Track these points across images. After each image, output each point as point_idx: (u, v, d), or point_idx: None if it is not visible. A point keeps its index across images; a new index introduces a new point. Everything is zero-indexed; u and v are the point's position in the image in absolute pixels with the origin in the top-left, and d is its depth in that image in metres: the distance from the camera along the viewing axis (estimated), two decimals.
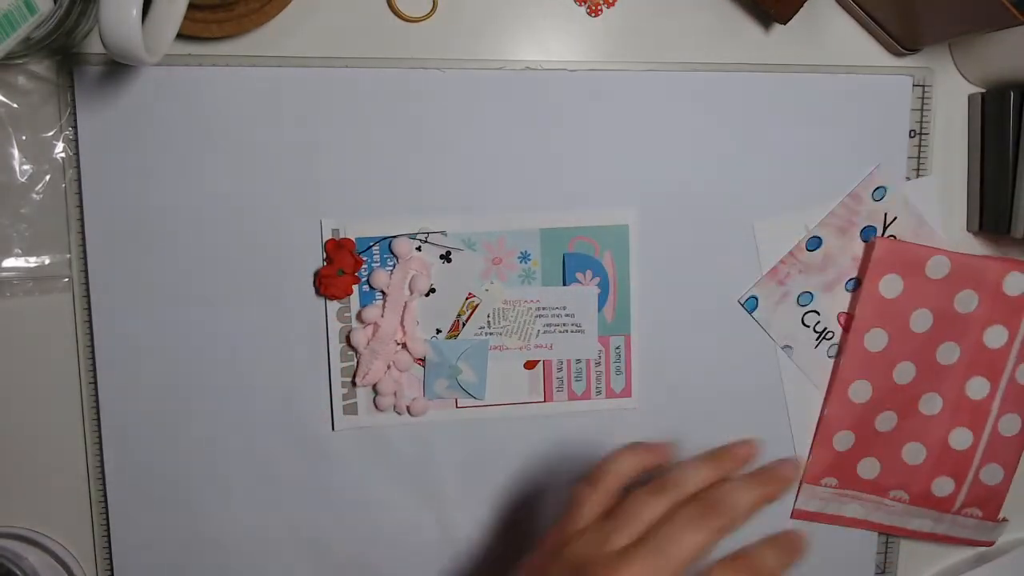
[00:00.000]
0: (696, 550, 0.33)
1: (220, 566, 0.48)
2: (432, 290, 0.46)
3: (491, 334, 0.47)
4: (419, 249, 0.46)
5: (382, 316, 0.46)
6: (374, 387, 0.47)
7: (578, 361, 0.48)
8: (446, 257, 0.46)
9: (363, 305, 0.46)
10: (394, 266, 0.46)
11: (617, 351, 0.48)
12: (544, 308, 0.47)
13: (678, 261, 0.47)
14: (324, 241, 0.45)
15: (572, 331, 0.48)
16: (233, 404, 0.46)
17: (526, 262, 0.47)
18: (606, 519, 0.35)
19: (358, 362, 0.46)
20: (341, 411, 0.47)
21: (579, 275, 0.47)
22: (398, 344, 0.46)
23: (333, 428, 0.47)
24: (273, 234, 0.45)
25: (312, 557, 0.48)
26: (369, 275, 0.46)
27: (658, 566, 0.32)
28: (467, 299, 0.47)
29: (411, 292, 0.46)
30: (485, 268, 0.47)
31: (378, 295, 0.46)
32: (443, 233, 0.45)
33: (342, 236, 0.45)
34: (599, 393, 0.48)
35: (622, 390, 0.48)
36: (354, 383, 0.46)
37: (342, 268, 0.45)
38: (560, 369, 0.48)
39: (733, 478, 0.35)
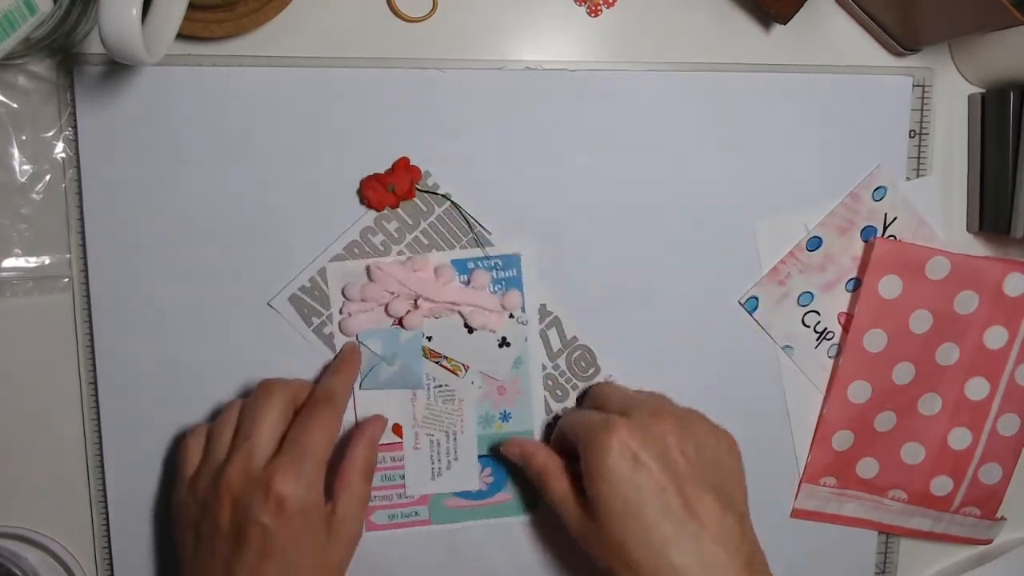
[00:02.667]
0: (324, 435, 0.40)
1: None
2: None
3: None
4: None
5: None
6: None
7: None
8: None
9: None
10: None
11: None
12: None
13: (678, 261, 0.47)
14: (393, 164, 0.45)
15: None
16: None
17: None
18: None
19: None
20: None
21: None
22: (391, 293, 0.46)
23: None
24: (273, 234, 0.45)
25: None
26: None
27: (299, 460, 0.38)
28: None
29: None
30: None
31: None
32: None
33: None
34: None
35: None
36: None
37: (393, 185, 0.44)
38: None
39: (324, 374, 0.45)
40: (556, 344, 0.47)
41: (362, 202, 0.45)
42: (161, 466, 0.47)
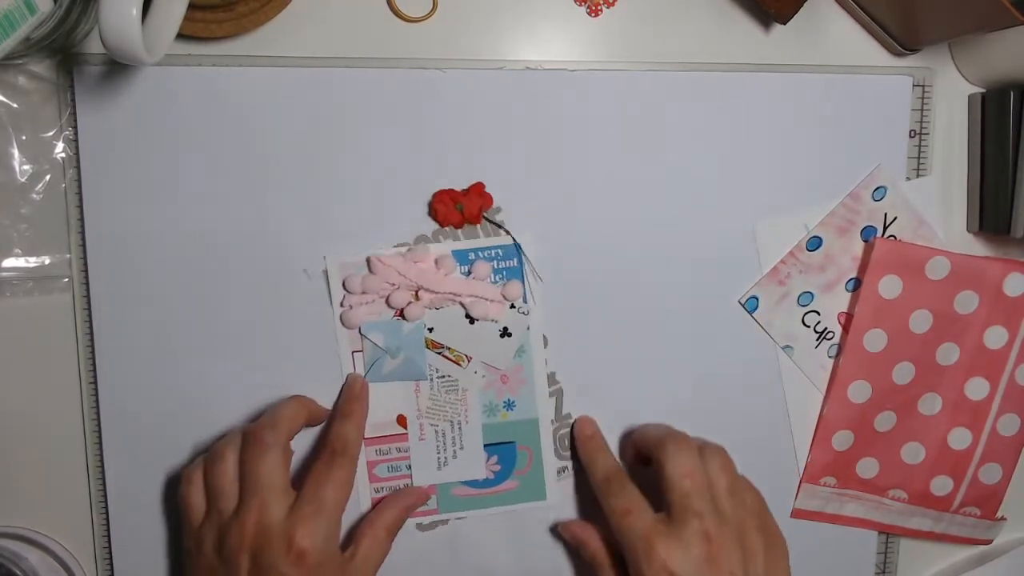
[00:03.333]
0: (341, 488, 0.41)
1: None
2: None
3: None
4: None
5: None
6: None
7: None
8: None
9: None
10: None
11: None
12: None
13: (678, 261, 0.47)
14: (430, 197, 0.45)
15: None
16: (234, 404, 0.46)
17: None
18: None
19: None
20: None
21: None
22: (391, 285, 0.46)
23: None
24: (272, 233, 0.45)
25: None
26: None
27: (318, 514, 0.40)
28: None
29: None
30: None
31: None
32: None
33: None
34: None
35: None
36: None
37: (463, 206, 0.44)
38: None
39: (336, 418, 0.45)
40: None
41: (429, 212, 0.45)
42: (162, 466, 0.47)
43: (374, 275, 0.45)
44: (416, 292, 0.46)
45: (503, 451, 0.48)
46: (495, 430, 0.48)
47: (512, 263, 0.47)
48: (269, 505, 0.40)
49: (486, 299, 0.46)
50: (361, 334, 0.46)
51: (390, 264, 0.45)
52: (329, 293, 0.46)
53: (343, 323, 0.46)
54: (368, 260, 0.45)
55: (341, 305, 0.46)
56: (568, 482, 0.49)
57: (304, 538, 0.39)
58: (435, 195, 0.45)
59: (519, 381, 0.48)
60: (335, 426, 0.44)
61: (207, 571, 0.41)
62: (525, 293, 0.47)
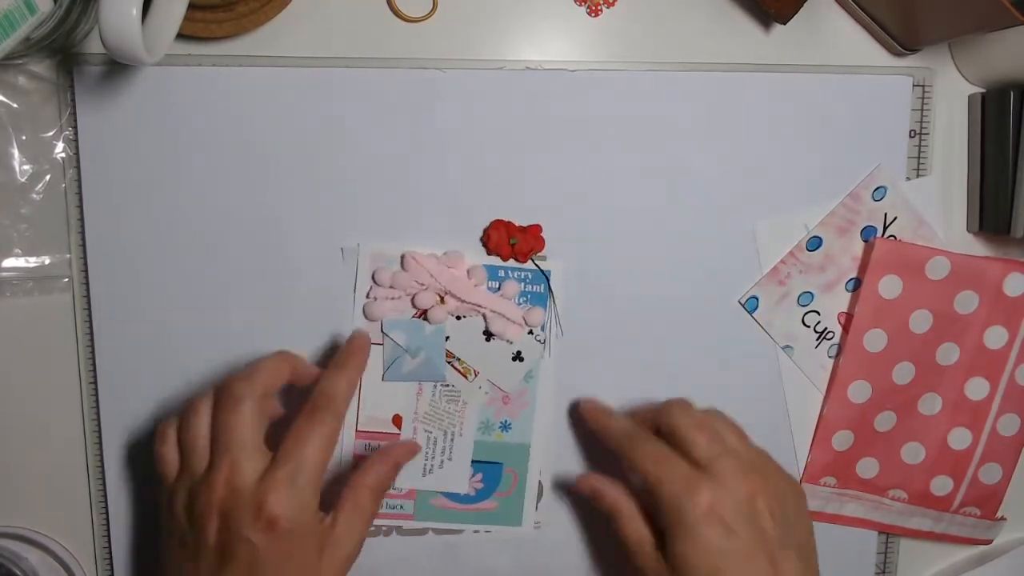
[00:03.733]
0: (320, 444, 0.37)
1: None
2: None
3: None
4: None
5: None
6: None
7: None
8: None
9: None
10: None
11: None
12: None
13: (678, 261, 0.47)
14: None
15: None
16: None
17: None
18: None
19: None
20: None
21: None
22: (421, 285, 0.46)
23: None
24: (272, 233, 0.45)
25: None
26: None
27: (293, 477, 0.36)
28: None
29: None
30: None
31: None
32: None
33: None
34: None
35: None
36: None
37: (517, 240, 0.45)
38: None
39: (326, 370, 0.41)
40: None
41: (482, 238, 0.46)
42: None
43: (406, 272, 0.45)
44: (442, 296, 0.46)
45: (489, 470, 0.48)
46: (486, 448, 0.48)
47: (539, 288, 0.47)
48: (240, 464, 0.37)
49: (507, 318, 0.46)
50: (383, 332, 0.46)
51: (423, 264, 0.45)
52: (355, 282, 0.46)
53: (365, 315, 0.46)
54: (403, 256, 0.45)
55: (367, 296, 0.46)
56: (546, 513, 0.49)
57: (276, 504, 0.36)
58: (492, 223, 0.46)
59: (521, 405, 0.48)
60: (323, 378, 0.40)
61: (178, 533, 0.38)
62: (546, 323, 0.47)
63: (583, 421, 0.46)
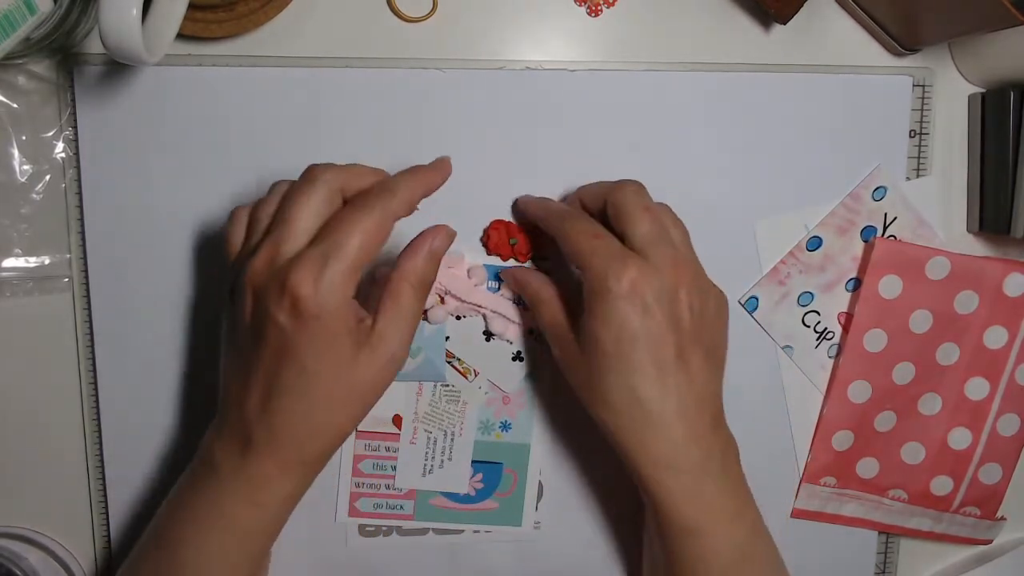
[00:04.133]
0: (363, 231, 0.34)
1: None
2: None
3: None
4: None
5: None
6: None
7: None
8: None
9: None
10: None
11: None
12: None
13: None
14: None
15: None
16: None
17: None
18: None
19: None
20: None
21: None
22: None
23: None
24: None
25: (320, 558, 0.48)
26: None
27: (327, 259, 0.34)
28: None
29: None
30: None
31: None
32: None
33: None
34: None
35: None
36: None
37: (517, 241, 0.45)
38: None
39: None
40: None
41: (482, 239, 0.46)
42: (161, 466, 0.47)
43: None
44: (442, 297, 0.46)
45: (489, 470, 0.48)
46: (486, 448, 0.48)
47: None
48: (284, 243, 0.35)
49: (507, 318, 0.46)
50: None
51: None
52: None
53: None
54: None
55: None
56: (546, 513, 0.49)
57: (298, 283, 0.33)
58: (492, 224, 0.46)
59: (520, 405, 0.48)
60: (391, 176, 0.38)
61: (229, 316, 0.38)
62: None
63: (522, 214, 0.45)
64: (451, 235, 0.38)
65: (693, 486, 0.38)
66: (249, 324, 0.36)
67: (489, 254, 0.46)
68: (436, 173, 0.39)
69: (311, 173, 0.36)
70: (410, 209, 0.37)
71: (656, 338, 0.37)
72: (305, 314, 0.34)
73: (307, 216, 0.35)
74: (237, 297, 0.36)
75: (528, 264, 0.46)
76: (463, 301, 0.46)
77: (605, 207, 0.40)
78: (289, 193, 0.36)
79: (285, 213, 0.35)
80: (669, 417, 0.38)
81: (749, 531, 0.40)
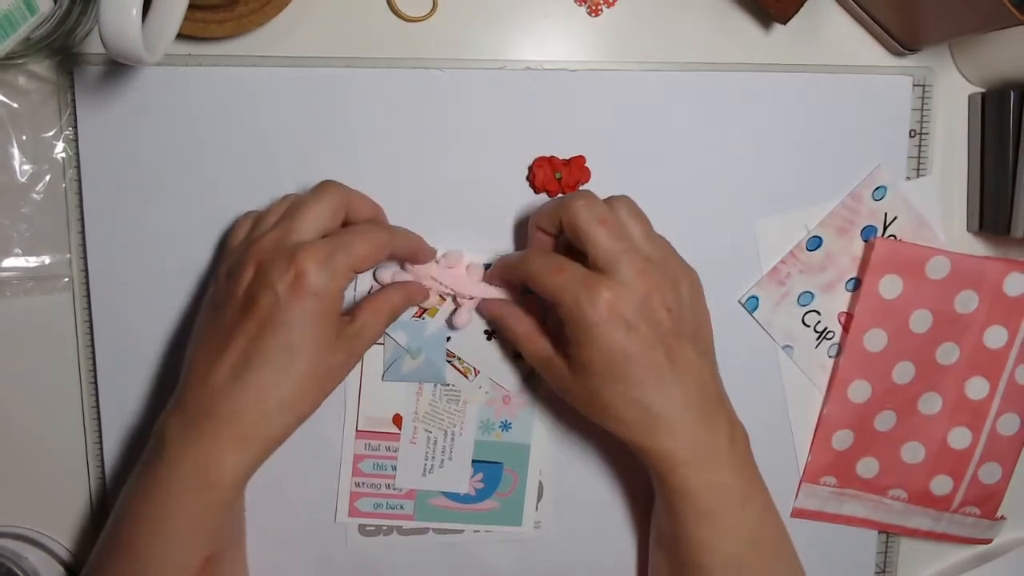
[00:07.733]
0: (368, 245, 0.38)
1: None
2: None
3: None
4: None
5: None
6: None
7: None
8: None
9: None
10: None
11: None
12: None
13: None
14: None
15: None
16: None
17: None
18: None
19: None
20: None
21: None
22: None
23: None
24: None
25: (320, 558, 0.48)
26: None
27: (334, 251, 0.37)
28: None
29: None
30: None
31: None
32: None
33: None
34: None
35: None
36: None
37: (561, 174, 0.45)
38: None
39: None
40: None
41: (528, 176, 0.46)
42: None
43: (406, 274, 0.45)
44: (444, 297, 0.46)
45: (489, 470, 0.48)
46: (486, 448, 0.48)
47: None
48: (293, 231, 0.38)
49: None
50: (384, 333, 0.46)
51: (425, 269, 0.45)
52: (355, 281, 0.46)
53: None
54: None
55: (368, 295, 0.46)
56: (546, 513, 0.49)
57: (306, 260, 0.36)
58: (535, 160, 0.45)
59: (520, 404, 0.48)
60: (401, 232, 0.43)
61: (214, 299, 0.40)
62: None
63: (495, 281, 0.45)
64: (426, 295, 0.45)
65: (705, 470, 0.40)
66: (240, 297, 0.38)
67: (537, 192, 0.46)
68: (426, 251, 0.44)
69: (324, 186, 0.40)
70: (400, 254, 0.43)
71: (645, 349, 0.38)
72: (305, 288, 0.36)
73: (316, 218, 0.39)
74: (235, 271, 0.38)
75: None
76: (470, 298, 0.45)
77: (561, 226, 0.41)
78: (300, 199, 0.40)
79: (296, 212, 0.39)
80: (676, 413, 0.39)
81: (760, 511, 0.41)
